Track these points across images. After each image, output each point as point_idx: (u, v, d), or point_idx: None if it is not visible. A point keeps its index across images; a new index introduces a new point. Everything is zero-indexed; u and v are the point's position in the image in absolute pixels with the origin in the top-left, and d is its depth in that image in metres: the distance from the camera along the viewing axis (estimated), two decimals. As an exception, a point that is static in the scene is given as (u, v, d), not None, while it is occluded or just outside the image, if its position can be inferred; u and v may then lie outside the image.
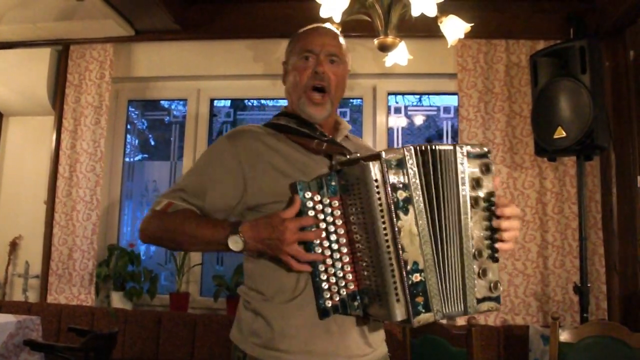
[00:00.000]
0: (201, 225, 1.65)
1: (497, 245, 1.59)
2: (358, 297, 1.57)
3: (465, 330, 2.75)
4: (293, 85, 1.80)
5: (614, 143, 4.00)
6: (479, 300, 1.56)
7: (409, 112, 4.96)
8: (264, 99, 5.32)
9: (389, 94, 4.73)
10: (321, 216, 1.56)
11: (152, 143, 5.71)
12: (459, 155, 1.55)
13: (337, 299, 1.57)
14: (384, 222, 1.45)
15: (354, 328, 1.68)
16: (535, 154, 3.72)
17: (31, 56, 4.77)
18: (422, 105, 5.43)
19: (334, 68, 1.78)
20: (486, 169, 1.58)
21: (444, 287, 1.51)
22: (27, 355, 3.60)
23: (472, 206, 1.56)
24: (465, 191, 1.55)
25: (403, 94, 4.91)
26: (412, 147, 1.49)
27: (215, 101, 5.08)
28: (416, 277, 1.45)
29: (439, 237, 1.51)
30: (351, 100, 5.10)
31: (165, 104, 5.29)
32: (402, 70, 4.41)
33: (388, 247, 1.45)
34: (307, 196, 1.55)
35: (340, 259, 1.56)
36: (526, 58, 4.19)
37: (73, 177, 4.65)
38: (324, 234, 1.56)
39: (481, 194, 1.58)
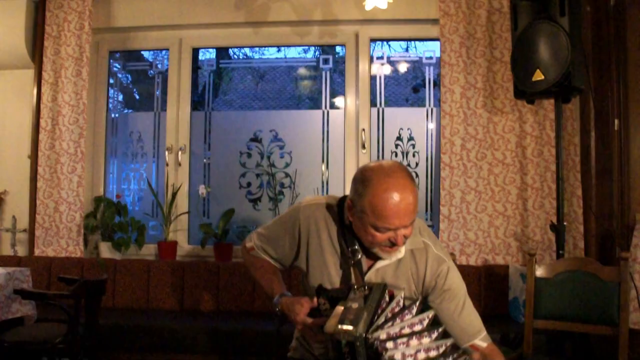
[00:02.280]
0: (266, 278, 2.16)
1: None
2: None
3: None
4: (364, 238, 1.95)
5: (593, 87, 4.05)
6: None
7: (392, 59, 4.97)
8: (247, 47, 5.30)
9: (372, 40, 4.74)
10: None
11: (137, 97, 5.69)
12: None
13: None
14: None
15: None
16: (514, 96, 3.77)
17: (7, 8, 4.68)
18: (407, 52, 5.43)
19: (408, 230, 1.90)
20: None
21: None
22: (19, 306, 3.66)
23: None
24: None
25: (385, 40, 4.92)
26: (364, 335, 1.70)
27: (200, 54, 5.07)
28: None
29: None
30: (335, 48, 5.11)
31: (148, 57, 5.26)
32: (384, 16, 4.42)
33: None
34: (321, 302, 1.92)
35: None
36: (508, 4, 4.20)
37: (56, 130, 4.65)
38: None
39: None
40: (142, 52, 5.30)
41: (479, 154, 4.30)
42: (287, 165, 4.85)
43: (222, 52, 5.35)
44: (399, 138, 4.77)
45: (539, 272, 3.20)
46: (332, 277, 2.05)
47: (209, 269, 4.41)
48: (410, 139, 4.76)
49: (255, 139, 4.90)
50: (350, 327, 1.68)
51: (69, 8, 4.68)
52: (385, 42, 5.08)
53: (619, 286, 2.96)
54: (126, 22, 4.86)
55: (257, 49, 5.83)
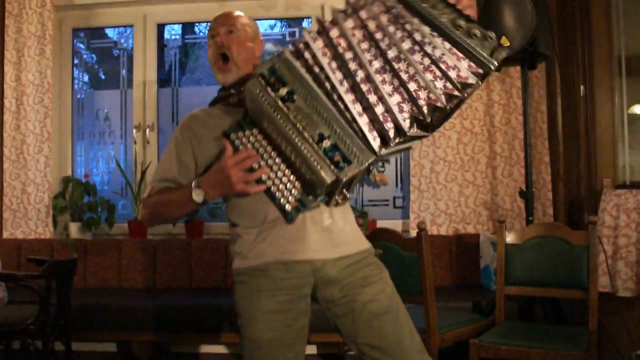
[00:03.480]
0: (172, 193, 1.96)
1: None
2: (308, 192, 1.76)
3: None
4: (211, 64, 2.08)
5: (558, 54, 4.08)
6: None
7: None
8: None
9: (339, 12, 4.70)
10: (250, 147, 1.80)
11: (102, 77, 5.60)
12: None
13: (293, 199, 1.78)
14: (280, 117, 1.70)
15: (320, 231, 1.92)
16: (481, 64, 3.77)
17: (-35, -13, 4.57)
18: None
19: (232, 37, 2.03)
20: None
21: (359, 139, 1.67)
22: (-11, 290, 3.62)
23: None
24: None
25: (351, 11, 4.87)
26: (280, 53, 1.76)
27: (166, 33, 5.00)
28: (326, 143, 1.67)
29: (338, 103, 1.68)
30: (302, 21, 5.06)
31: (112, 37, 5.18)
32: (350, -13, 4.38)
33: (292, 133, 1.69)
34: (233, 138, 1.81)
35: (280, 169, 1.78)
36: (473, -29, 4.18)
37: (20, 110, 4.57)
38: (259, 158, 1.79)
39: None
40: (107, 32, 5.21)
41: (447, 124, 4.24)
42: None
43: (188, 28, 5.28)
44: (368, 109, 4.75)
45: (509, 238, 3.24)
46: None
47: (181, 247, 4.39)
48: (380, 110, 4.75)
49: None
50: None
51: (29, -16, 4.57)
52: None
53: (587, 250, 3.01)
54: (89, -1, 4.77)
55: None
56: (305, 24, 5.05)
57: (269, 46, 5.82)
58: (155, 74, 4.83)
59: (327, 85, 1.68)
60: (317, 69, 1.71)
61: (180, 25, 5.19)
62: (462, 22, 1.63)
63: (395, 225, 4.47)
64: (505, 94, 4.28)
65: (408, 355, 1.91)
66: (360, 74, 1.66)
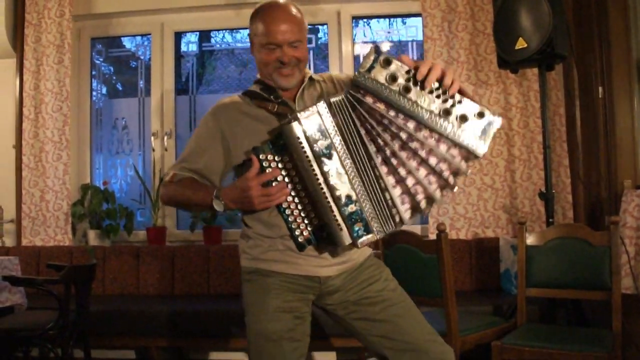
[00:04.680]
0: (195, 191, 1.98)
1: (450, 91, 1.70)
2: (322, 230, 1.84)
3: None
4: (263, 64, 2.00)
5: (575, 56, 4.06)
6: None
7: (376, 40, 4.95)
8: (229, 29, 5.27)
9: (354, 18, 4.73)
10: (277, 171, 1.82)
11: (120, 88, 5.65)
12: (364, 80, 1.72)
13: (307, 233, 1.86)
14: (313, 170, 1.73)
15: (324, 250, 1.96)
16: (498, 66, 3.76)
17: (-15, -2, 4.62)
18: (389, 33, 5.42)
19: (296, 52, 1.96)
20: (386, 62, 1.70)
21: (381, 210, 1.77)
22: (9, 295, 3.63)
23: (406, 91, 1.69)
24: (392, 88, 1.70)
25: (367, 17, 4.89)
26: (323, 101, 1.75)
27: (183, 45, 5.04)
28: (351, 208, 1.74)
29: (370, 170, 1.75)
30: (317, 33, 5.08)
31: (130, 47, 5.22)
32: (365, -7, 4.42)
33: (322, 189, 1.74)
34: (262, 158, 1.81)
35: (300, 202, 1.84)
36: (488, -25, 4.20)
37: (39, 118, 4.62)
38: (285, 185, 1.83)
39: (402, 79, 1.70)
40: (124, 42, 5.26)
41: (466, 128, 4.29)
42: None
43: (205, 38, 5.32)
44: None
45: (530, 240, 3.20)
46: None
47: (199, 253, 4.39)
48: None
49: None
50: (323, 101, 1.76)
51: (48, -5, 4.63)
52: (366, 24, 5.06)
53: (609, 251, 2.95)
54: (107, 8, 4.83)
55: (239, 37, 5.81)
56: (321, 33, 5.06)
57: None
58: (172, 81, 4.87)
59: (372, 148, 1.74)
60: (367, 127, 1.73)
61: (197, 34, 5.23)
62: (448, 107, 1.69)
63: (414, 230, 4.44)
64: (523, 97, 4.26)
65: (422, 341, 1.96)
66: (388, 150, 1.73)
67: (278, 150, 1.81)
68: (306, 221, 1.85)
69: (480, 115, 1.68)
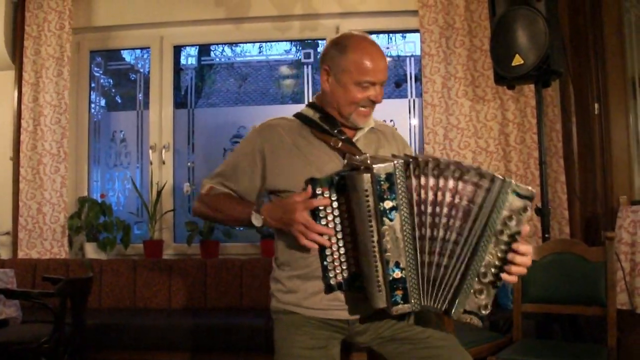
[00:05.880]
0: (233, 205, 1.99)
1: (503, 275, 1.69)
2: (357, 279, 1.82)
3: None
4: (344, 100, 1.96)
5: (571, 72, 4.09)
6: (466, 312, 1.70)
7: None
8: (229, 43, 5.30)
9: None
10: (329, 209, 1.80)
11: (119, 101, 5.67)
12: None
13: (340, 278, 1.84)
14: (371, 226, 1.68)
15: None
16: (495, 82, 3.78)
17: (-15, 9, 4.63)
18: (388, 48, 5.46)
19: (381, 91, 1.98)
20: (523, 210, 1.66)
21: (424, 285, 1.71)
22: (3, 308, 3.60)
23: (495, 234, 1.66)
24: (494, 220, 1.65)
25: (367, 32, 4.92)
26: (402, 160, 1.68)
27: (182, 58, 5.06)
28: (397, 274, 1.68)
29: (426, 244, 1.70)
30: (317, 48, 5.11)
31: (130, 60, 5.24)
32: (364, 8, 4.45)
33: (374, 246, 1.68)
34: (318, 191, 1.79)
35: (344, 246, 1.81)
36: (485, -8, 4.23)
37: (37, 131, 4.62)
38: (329, 225, 1.80)
39: (508, 229, 1.66)
40: (124, 55, 5.28)
41: (462, 143, 4.32)
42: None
43: (204, 52, 5.35)
44: (383, 130, 4.77)
45: (526, 255, 3.21)
46: (322, 166, 1.95)
47: (196, 266, 4.39)
48: (394, 131, 4.77)
49: (239, 136, 4.89)
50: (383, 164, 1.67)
51: (48, 8, 4.65)
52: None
53: (605, 266, 2.96)
54: (107, 21, 4.85)
55: (238, 51, 5.85)
56: (320, 47, 5.08)
57: (284, 69, 5.87)
58: (171, 94, 4.88)
59: (430, 220, 1.69)
60: (430, 197, 1.69)
61: (197, 47, 5.26)
62: (489, 275, 1.68)
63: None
64: (520, 113, 4.28)
65: None
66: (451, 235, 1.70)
67: (337, 190, 1.79)
68: (344, 267, 1.82)
69: (485, 308, 1.69)
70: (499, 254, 1.68)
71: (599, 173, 3.96)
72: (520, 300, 3.15)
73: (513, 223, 1.64)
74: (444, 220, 1.68)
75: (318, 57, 5.02)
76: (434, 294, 1.72)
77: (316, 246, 1.81)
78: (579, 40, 4.16)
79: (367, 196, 1.67)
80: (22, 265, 4.43)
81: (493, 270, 1.68)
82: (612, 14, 3.95)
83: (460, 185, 1.67)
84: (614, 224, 3.67)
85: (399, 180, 1.66)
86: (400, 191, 1.66)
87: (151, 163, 4.80)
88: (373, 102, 1.96)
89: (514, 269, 1.68)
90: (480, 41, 4.32)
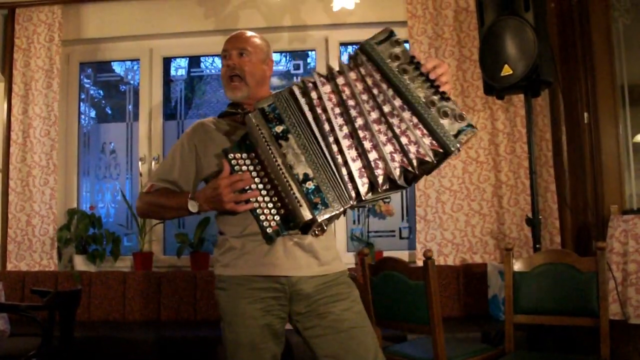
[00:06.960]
0: (170, 197, 2.15)
1: (441, 88, 1.82)
2: (290, 219, 1.90)
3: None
4: (222, 79, 2.25)
5: (561, 82, 4.10)
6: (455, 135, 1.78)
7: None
8: (218, 55, 5.28)
9: (341, 44, 4.76)
10: (245, 169, 1.95)
11: (109, 112, 5.65)
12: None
13: (275, 224, 1.92)
14: (272, 152, 1.84)
15: (299, 250, 2.09)
16: (484, 92, 3.79)
17: (-25, 22, 4.64)
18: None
19: (243, 59, 2.20)
20: (396, 43, 1.88)
21: (335, 185, 1.81)
22: (-9, 321, 3.59)
23: (404, 72, 1.82)
24: (389, 73, 1.82)
25: (355, 43, 4.92)
26: (284, 90, 1.91)
27: (172, 70, 5.05)
28: (309, 184, 1.81)
29: (325, 146, 1.82)
30: (306, 58, 5.11)
31: (119, 72, 5.23)
32: (352, 20, 4.46)
33: (280, 168, 1.83)
34: (230, 157, 1.95)
35: (267, 194, 1.93)
36: (474, 3, 4.25)
37: (27, 143, 4.60)
38: (251, 181, 1.94)
39: (404, 61, 1.84)
40: (114, 67, 5.27)
41: (453, 153, 4.31)
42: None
43: (194, 63, 5.34)
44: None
45: (517, 266, 3.20)
46: None
47: (186, 279, 4.36)
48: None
49: (229, 147, 4.87)
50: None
51: (38, 20, 4.66)
52: (355, 49, 5.11)
53: (597, 277, 2.94)
54: (96, 33, 4.84)
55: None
56: (310, 59, 5.10)
57: (274, 80, 5.86)
58: (161, 106, 4.87)
59: (327, 127, 1.82)
60: (319, 110, 1.84)
61: (187, 59, 5.25)
62: (435, 99, 1.78)
63: (402, 256, 4.42)
64: (510, 123, 4.29)
65: None
66: (360, 121, 1.81)
67: (245, 149, 1.95)
68: (273, 211, 1.92)
69: (461, 117, 1.76)
70: (424, 84, 1.80)
71: (590, 182, 3.97)
72: (512, 311, 3.14)
73: (402, 59, 1.83)
74: (345, 116, 1.83)
75: (308, 67, 5.03)
76: (346, 189, 1.80)
77: (251, 207, 1.93)
78: (567, 49, 4.17)
79: (260, 130, 1.86)
80: (10, 278, 4.40)
81: (435, 96, 1.78)
82: (601, 24, 3.96)
83: (342, 80, 1.86)
84: (605, 233, 3.67)
85: (285, 105, 1.87)
86: (288, 113, 1.87)
87: (141, 175, 4.78)
88: (234, 72, 2.17)
89: (443, 78, 1.81)
90: (470, 51, 4.33)
